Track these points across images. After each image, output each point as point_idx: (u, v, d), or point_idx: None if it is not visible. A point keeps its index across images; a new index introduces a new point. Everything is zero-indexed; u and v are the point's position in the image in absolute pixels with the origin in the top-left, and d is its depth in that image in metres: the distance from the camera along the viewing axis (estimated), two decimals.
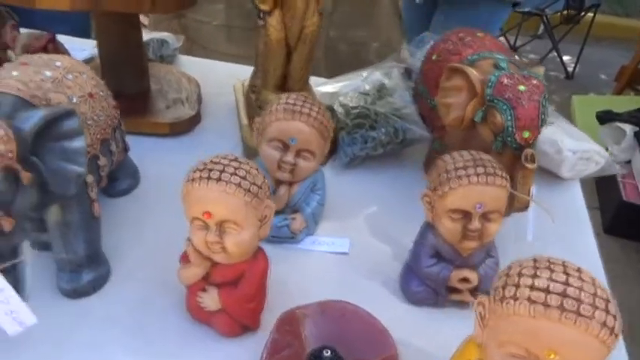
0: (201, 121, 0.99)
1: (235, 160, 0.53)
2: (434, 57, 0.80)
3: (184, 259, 0.59)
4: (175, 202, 0.81)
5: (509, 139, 0.63)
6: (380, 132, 0.85)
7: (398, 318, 0.61)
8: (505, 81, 0.64)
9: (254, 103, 0.89)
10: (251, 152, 0.88)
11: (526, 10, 3.27)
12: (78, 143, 0.57)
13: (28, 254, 0.51)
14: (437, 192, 0.57)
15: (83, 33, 1.34)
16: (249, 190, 0.52)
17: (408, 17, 1.43)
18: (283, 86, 0.86)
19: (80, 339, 0.59)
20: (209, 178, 0.51)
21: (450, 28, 1.14)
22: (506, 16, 1.46)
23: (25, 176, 0.50)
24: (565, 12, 3.40)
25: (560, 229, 0.74)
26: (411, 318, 0.63)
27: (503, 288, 0.41)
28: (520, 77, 0.64)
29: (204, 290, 0.58)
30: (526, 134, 0.62)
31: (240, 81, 1.04)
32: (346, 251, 0.72)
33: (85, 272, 0.62)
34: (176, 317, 0.61)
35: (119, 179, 0.78)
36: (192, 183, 0.52)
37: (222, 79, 1.12)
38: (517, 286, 0.40)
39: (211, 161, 0.53)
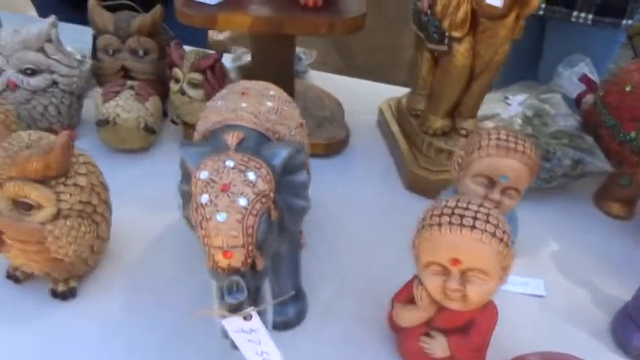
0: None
1: (482, 205, 0.51)
2: (627, 88, 0.75)
3: (401, 298, 0.58)
4: (351, 229, 0.80)
5: None
6: (554, 163, 0.81)
7: None
8: None
9: (417, 128, 0.87)
10: (411, 177, 0.85)
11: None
12: (303, 177, 0.55)
13: (269, 293, 0.51)
14: None
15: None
16: (501, 240, 0.49)
17: None
18: (453, 113, 0.83)
19: None
20: (462, 224, 0.49)
21: (569, 52, 1.08)
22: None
23: (274, 214, 0.49)
24: None
25: None
26: None
27: None
28: None
29: (426, 335, 0.56)
30: None
31: (386, 101, 1.02)
32: (542, 294, 0.68)
33: (291, 305, 0.62)
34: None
35: None
36: (439, 228, 0.50)
37: (354, 95, 1.10)
38: None
39: (457, 205, 0.51)
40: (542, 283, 0.69)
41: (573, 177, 0.82)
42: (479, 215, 0.49)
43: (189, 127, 0.92)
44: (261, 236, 0.47)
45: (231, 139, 0.50)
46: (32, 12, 1.52)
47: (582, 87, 1.01)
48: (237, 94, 0.59)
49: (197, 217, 0.45)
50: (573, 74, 1.05)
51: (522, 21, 0.70)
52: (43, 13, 1.42)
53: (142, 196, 0.81)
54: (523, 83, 1.06)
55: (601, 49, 1.19)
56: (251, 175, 0.46)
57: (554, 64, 1.08)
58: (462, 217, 0.49)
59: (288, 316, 0.61)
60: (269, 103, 0.59)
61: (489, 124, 0.92)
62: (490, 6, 0.64)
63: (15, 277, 0.64)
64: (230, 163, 0.47)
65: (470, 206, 0.50)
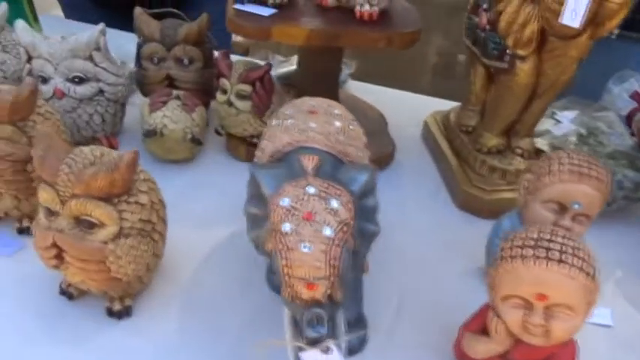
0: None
1: (567, 237, 0.49)
2: None
3: (472, 328, 0.55)
4: (407, 249, 0.76)
5: None
6: (615, 185, 0.78)
7: None
8: None
9: (468, 145, 0.85)
10: (463, 196, 0.83)
11: None
12: (373, 201, 0.54)
13: (343, 323, 0.49)
14: None
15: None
16: (588, 274, 0.47)
17: None
18: (508, 131, 0.81)
19: None
20: (548, 258, 0.47)
21: (596, 67, 1.04)
22: None
23: (352, 242, 0.48)
24: None
25: None
26: None
27: None
28: None
29: None
30: None
31: (432, 115, 1.00)
32: (609, 323, 0.66)
33: (354, 330, 0.60)
34: None
35: None
36: (522, 260, 0.48)
37: (393, 106, 1.07)
38: None
39: (540, 237, 0.48)
40: (609, 313, 0.67)
41: (634, 199, 0.80)
42: (565, 248, 0.47)
43: (233, 138, 0.91)
44: (344, 266, 0.45)
45: (308, 162, 0.48)
46: (56, 11, 1.50)
47: (633, 104, 0.98)
48: (305, 113, 0.58)
49: (278, 245, 0.44)
50: (623, 90, 1.03)
51: (591, 41, 0.68)
52: (69, 13, 1.40)
53: (189, 209, 0.79)
54: (569, 98, 1.03)
55: (628, 65, 1.16)
56: (334, 203, 0.44)
57: (582, 79, 1.05)
58: (547, 249, 0.47)
59: (351, 342, 0.59)
60: (337, 123, 0.57)
61: (540, 141, 0.89)
62: (564, 26, 0.62)
63: (69, 293, 0.63)
64: (311, 190, 0.45)
65: (554, 238, 0.48)
